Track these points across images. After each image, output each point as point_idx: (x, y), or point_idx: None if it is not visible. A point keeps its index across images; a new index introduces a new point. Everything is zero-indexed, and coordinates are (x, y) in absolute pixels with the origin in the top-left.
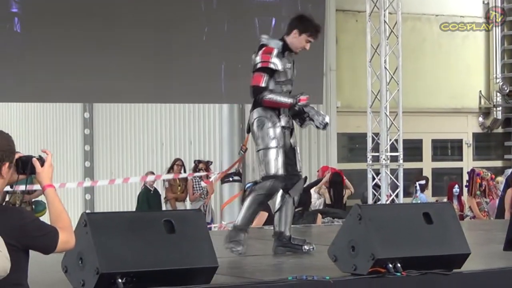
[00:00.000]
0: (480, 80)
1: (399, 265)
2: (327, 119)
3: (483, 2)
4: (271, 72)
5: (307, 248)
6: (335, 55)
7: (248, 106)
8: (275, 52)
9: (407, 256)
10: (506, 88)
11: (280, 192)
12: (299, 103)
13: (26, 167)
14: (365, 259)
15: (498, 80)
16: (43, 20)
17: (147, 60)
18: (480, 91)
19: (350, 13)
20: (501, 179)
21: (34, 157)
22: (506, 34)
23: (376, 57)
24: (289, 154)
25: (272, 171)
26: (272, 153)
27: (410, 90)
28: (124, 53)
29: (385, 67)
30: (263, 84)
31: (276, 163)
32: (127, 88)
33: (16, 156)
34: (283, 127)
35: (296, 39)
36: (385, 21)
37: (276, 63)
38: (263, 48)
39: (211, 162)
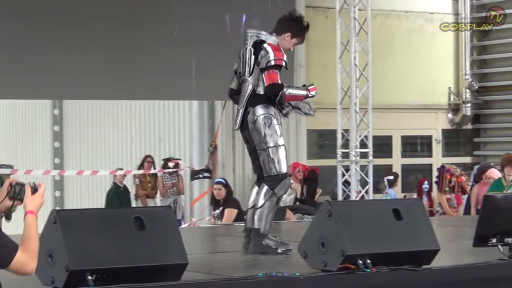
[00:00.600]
0: (450, 76)
1: (369, 261)
2: (313, 106)
3: None
4: (281, 69)
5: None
6: (305, 51)
7: (218, 103)
8: (282, 49)
9: (377, 252)
10: (475, 85)
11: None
12: (310, 93)
13: (19, 193)
14: (335, 255)
15: (467, 77)
16: (12, 16)
17: (118, 57)
18: (450, 87)
19: (320, 9)
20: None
21: (27, 183)
22: (475, 31)
23: (345, 54)
24: None
25: (284, 169)
26: (282, 151)
27: (380, 87)
28: (94, 50)
29: (355, 64)
30: (279, 81)
31: (286, 161)
32: (97, 85)
33: (8, 181)
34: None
35: (286, 42)
36: (354, 18)
37: (286, 61)
38: (272, 46)
39: (180, 159)
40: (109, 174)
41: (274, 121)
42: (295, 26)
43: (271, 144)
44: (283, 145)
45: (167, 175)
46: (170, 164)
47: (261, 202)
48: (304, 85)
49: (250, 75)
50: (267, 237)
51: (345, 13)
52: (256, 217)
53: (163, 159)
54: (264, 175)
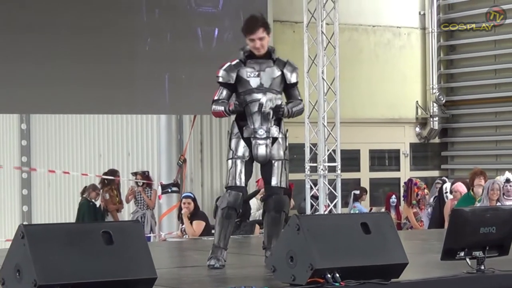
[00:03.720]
0: (417, 90)
1: (337, 275)
2: (264, 102)
3: (419, 13)
4: (224, 85)
5: None
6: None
7: (186, 117)
8: (226, 64)
9: (346, 266)
10: (442, 99)
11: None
12: (228, 109)
13: None
14: (303, 269)
15: (434, 91)
16: None
17: (89, 70)
18: (417, 101)
19: (287, 23)
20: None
21: None
22: (442, 45)
23: (313, 68)
24: (265, 167)
25: (227, 182)
26: (229, 164)
27: (348, 101)
28: (64, 64)
29: (323, 78)
30: (214, 97)
31: (229, 174)
32: (65, 99)
33: None
34: (247, 138)
35: (247, 43)
36: (322, 32)
37: (223, 76)
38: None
39: (148, 172)
40: (79, 186)
41: (231, 136)
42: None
43: (226, 157)
44: (231, 158)
45: (139, 187)
46: (138, 177)
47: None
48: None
49: None
50: (214, 248)
51: (312, 27)
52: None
53: (132, 173)
54: None
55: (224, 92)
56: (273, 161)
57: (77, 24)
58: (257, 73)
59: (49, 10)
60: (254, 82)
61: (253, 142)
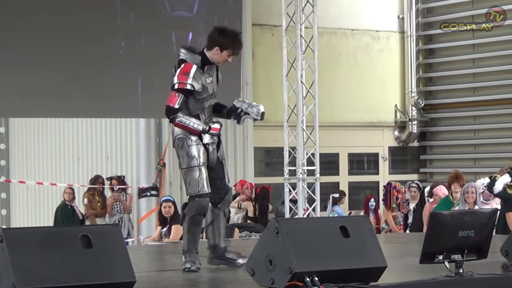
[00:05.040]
0: (396, 94)
1: (316, 278)
2: (262, 109)
3: (398, 17)
4: (189, 93)
5: (241, 262)
6: (252, 69)
7: (165, 120)
8: (193, 71)
9: (325, 270)
10: (421, 102)
11: (210, 206)
12: (210, 132)
13: None
14: (282, 273)
15: (413, 94)
16: None
17: (64, 74)
18: (396, 105)
19: (266, 27)
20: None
21: None
22: (421, 49)
23: (292, 71)
24: (217, 168)
25: (195, 190)
26: (194, 172)
27: (327, 104)
28: (40, 68)
29: (302, 81)
30: (176, 106)
31: (198, 182)
32: (43, 102)
33: None
34: (206, 144)
35: (217, 56)
36: (301, 36)
37: (193, 84)
38: (181, 67)
39: (124, 176)
40: (58, 191)
41: (187, 142)
42: (221, 37)
43: (184, 166)
44: (196, 166)
45: (115, 193)
46: (114, 182)
47: (208, 219)
48: (207, 122)
49: None
50: (187, 253)
51: (291, 31)
52: (209, 233)
53: (107, 178)
54: None
55: (183, 100)
56: (223, 161)
57: (52, 28)
58: (211, 79)
59: (23, 14)
60: (210, 89)
61: (210, 147)
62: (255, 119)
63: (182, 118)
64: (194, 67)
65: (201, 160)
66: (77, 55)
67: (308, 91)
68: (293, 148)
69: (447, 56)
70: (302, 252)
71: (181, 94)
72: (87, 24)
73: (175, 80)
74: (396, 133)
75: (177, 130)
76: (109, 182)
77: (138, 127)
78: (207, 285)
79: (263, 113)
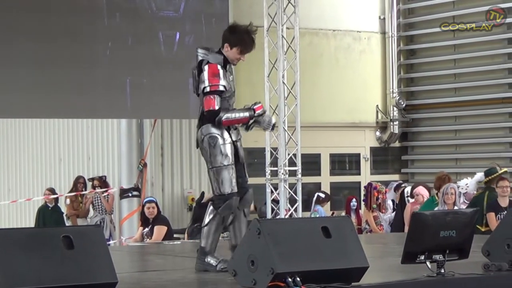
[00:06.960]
0: (377, 94)
1: (298, 279)
2: (273, 120)
3: (379, 18)
4: (221, 93)
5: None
6: (233, 70)
7: (146, 121)
8: (221, 71)
9: (307, 270)
10: (402, 103)
11: (211, 207)
12: (256, 113)
13: None
14: (264, 273)
15: (394, 95)
16: None
17: (50, 75)
18: (377, 105)
19: None
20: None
21: None
22: (402, 49)
23: (274, 72)
24: (239, 167)
25: (228, 189)
26: (228, 171)
27: (308, 105)
28: (23, 68)
29: (283, 82)
30: (217, 107)
31: (231, 181)
32: (25, 103)
33: None
34: (234, 141)
35: (229, 53)
36: (282, 36)
37: (224, 84)
38: (208, 68)
39: (105, 176)
40: (40, 192)
41: (220, 141)
42: (230, 36)
43: (215, 165)
44: (228, 165)
45: (97, 194)
46: (96, 182)
47: (206, 220)
48: (249, 106)
49: (198, 95)
50: (209, 255)
51: (273, 31)
52: (202, 235)
53: (89, 179)
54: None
55: (219, 100)
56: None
57: (38, 29)
58: (231, 77)
59: (8, 15)
60: (232, 87)
61: (238, 143)
62: (264, 129)
63: (226, 114)
64: (219, 67)
65: (233, 159)
66: (63, 55)
67: (290, 91)
68: (275, 149)
69: (428, 57)
70: (284, 253)
71: (216, 95)
72: (73, 25)
73: (206, 83)
74: (378, 133)
75: (207, 129)
76: (90, 182)
77: (119, 128)
78: (190, 285)
79: (274, 125)
